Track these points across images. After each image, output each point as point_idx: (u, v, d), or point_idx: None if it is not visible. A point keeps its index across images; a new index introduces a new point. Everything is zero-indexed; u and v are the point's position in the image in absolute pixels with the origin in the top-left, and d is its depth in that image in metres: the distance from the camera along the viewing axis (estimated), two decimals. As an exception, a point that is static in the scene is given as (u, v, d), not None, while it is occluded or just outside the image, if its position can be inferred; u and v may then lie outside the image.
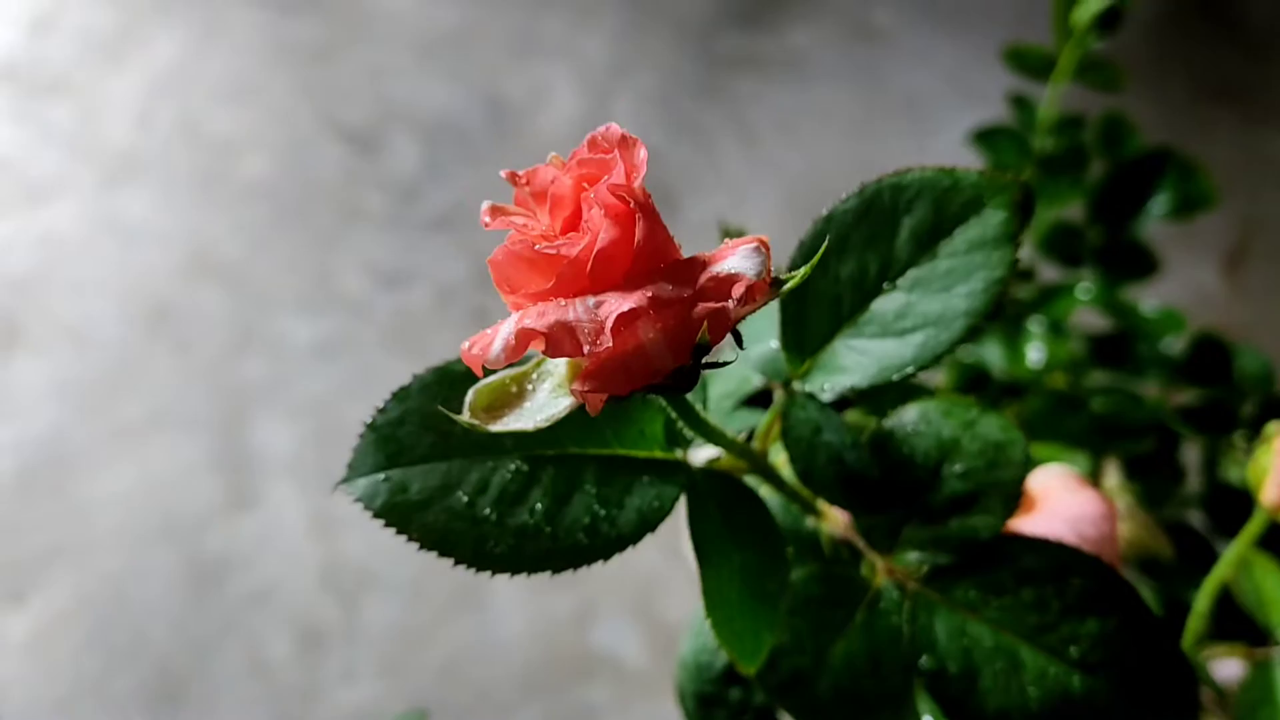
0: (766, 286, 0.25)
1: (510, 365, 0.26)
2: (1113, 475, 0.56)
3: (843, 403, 0.55)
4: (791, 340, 0.33)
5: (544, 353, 0.23)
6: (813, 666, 0.34)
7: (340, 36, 1.48)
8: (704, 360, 0.25)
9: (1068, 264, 0.79)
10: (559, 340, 0.23)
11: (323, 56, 1.46)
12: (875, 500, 0.33)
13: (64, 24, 1.49)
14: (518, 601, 1.13)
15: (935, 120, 1.31)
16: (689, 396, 0.30)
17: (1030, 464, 0.33)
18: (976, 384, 0.74)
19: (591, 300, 0.23)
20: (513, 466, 0.29)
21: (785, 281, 0.25)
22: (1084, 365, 0.70)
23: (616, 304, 0.22)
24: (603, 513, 0.29)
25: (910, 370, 0.31)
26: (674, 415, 0.30)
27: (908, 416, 0.34)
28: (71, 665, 1.08)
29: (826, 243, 0.31)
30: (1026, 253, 0.78)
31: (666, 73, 1.41)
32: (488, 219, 0.25)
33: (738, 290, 0.23)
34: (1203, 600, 0.49)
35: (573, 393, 0.23)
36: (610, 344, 0.22)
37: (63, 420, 1.22)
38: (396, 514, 0.29)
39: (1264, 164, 1.30)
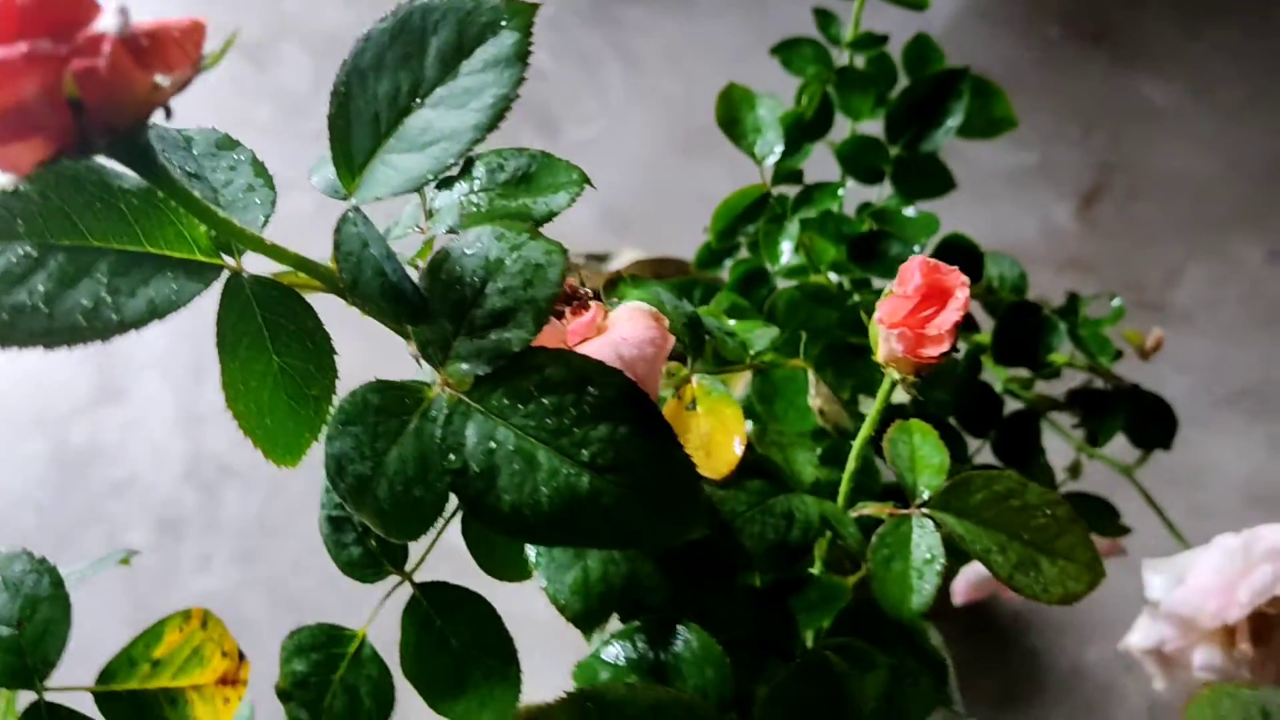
0: (189, 62, 0.27)
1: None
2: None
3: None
4: (341, 158, 0.35)
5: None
6: (372, 473, 0.37)
7: (240, -51, 1.49)
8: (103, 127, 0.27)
9: (868, 180, 0.81)
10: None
11: (222, -32, 1.48)
12: (418, 313, 0.36)
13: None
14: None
15: (813, 50, 1.33)
16: (199, 194, 0.33)
17: (562, 282, 0.36)
18: (754, 280, 0.77)
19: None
20: (21, 251, 0.31)
21: (208, 60, 0.28)
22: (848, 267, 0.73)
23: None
24: (109, 300, 0.31)
25: (429, 178, 0.34)
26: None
27: (467, 238, 0.37)
28: (-67, 546, 1.11)
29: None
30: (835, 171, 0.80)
31: (558, -2, 1.43)
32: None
33: (106, 47, 0.25)
34: (852, 461, 0.53)
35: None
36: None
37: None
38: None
39: (1129, 106, 1.32)
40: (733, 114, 0.74)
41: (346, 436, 0.37)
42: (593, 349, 0.38)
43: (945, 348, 0.44)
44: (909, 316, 0.44)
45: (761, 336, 0.56)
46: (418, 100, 0.34)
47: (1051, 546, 0.50)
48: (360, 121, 0.35)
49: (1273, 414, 1.17)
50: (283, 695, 0.46)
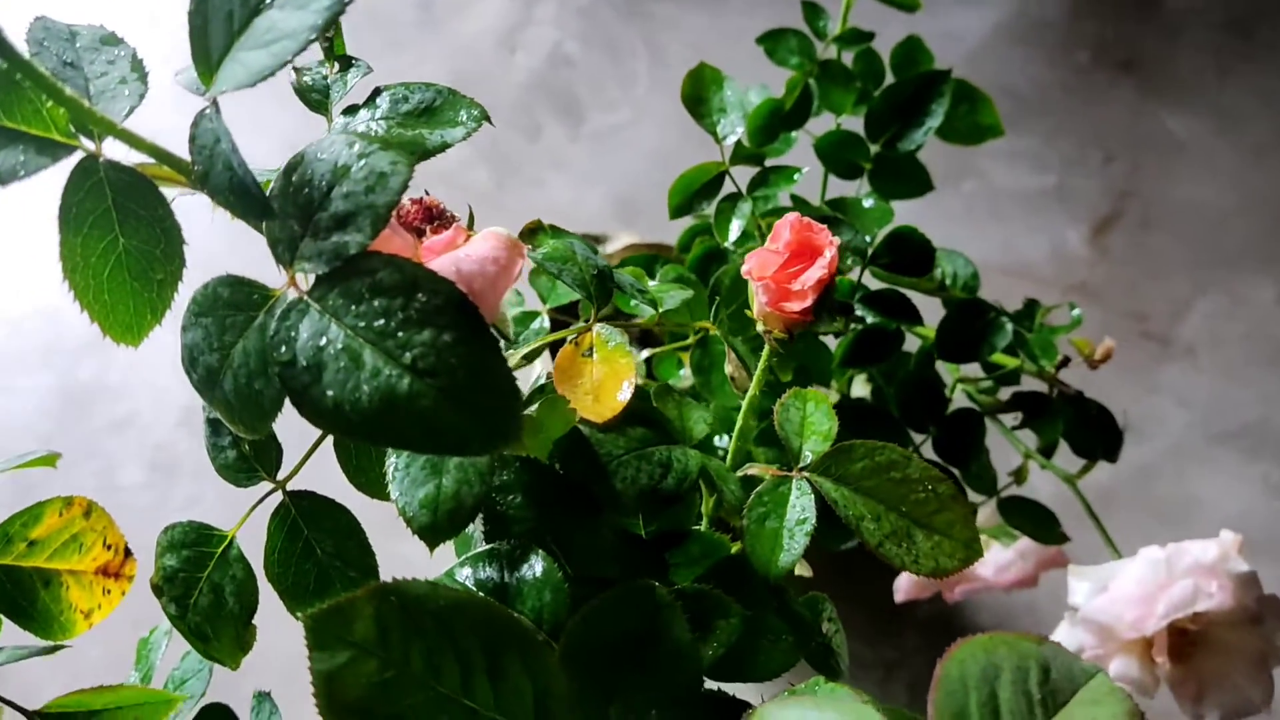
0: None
1: None
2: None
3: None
4: (199, 54, 0.37)
5: None
6: (219, 364, 0.39)
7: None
8: None
9: (845, 175, 0.81)
10: None
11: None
12: (262, 208, 0.38)
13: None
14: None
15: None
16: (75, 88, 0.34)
17: (402, 191, 0.37)
18: (713, 259, 0.77)
19: None
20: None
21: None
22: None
23: None
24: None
25: (268, 73, 0.35)
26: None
27: (322, 144, 0.38)
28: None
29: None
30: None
31: (593, -13, 1.45)
32: None
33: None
34: (740, 419, 0.53)
35: None
36: None
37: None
38: None
39: (1152, 136, 1.31)
40: (700, 93, 0.75)
41: (198, 328, 0.39)
42: (436, 263, 0.40)
43: (808, 303, 0.45)
44: (778, 271, 0.45)
45: (673, 297, 0.57)
46: (266, 1, 0.36)
47: (929, 521, 0.50)
48: (216, 19, 0.36)
49: (1269, 454, 1.15)
50: (155, 590, 0.48)
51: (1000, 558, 0.81)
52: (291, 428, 0.50)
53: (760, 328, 0.48)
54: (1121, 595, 0.67)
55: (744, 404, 0.52)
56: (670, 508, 0.52)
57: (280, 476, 0.49)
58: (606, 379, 0.52)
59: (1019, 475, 0.78)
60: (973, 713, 0.32)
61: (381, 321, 0.37)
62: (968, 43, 1.36)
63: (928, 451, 0.76)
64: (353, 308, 0.37)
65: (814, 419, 0.52)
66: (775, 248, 0.45)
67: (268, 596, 0.50)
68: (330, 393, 0.36)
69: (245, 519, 0.49)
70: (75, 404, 1.20)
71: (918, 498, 0.51)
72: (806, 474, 0.50)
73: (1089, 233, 1.26)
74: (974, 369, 0.81)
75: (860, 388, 0.86)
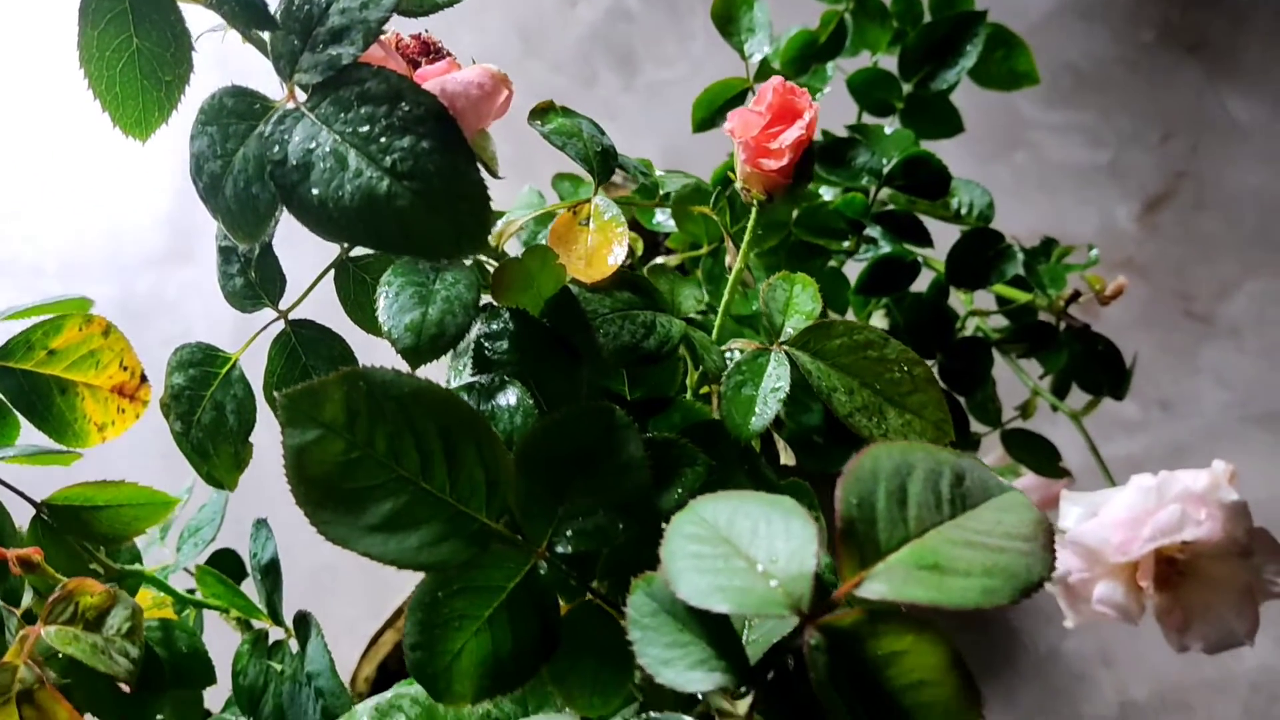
0: None
1: None
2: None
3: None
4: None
5: None
6: (222, 170, 0.42)
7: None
8: None
9: (877, 113, 0.83)
10: None
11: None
12: (265, 19, 0.41)
13: None
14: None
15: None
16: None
17: (394, 9, 0.40)
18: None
19: None
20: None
21: None
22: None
23: None
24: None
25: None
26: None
27: (325, -28, 0.41)
28: None
29: None
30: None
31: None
32: None
33: None
34: (727, 292, 0.55)
35: None
36: None
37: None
38: None
39: (1212, 118, 1.30)
40: (730, 11, 0.77)
41: (204, 136, 0.42)
42: (424, 85, 0.42)
43: (784, 162, 0.46)
44: (760, 133, 0.47)
45: (674, 181, 0.59)
46: None
47: (902, 400, 0.52)
48: None
49: (1305, 438, 1.14)
50: (164, 408, 0.51)
51: (1004, 494, 0.82)
52: (295, 263, 0.54)
53: (739, 186, 0.50)
54: (1110, 520, 0.68)
55: (731, 277, 0.54)
56: (650, 367, 0.54)
57: (283, 307, 0.52)
58: (600, 246, 0.54)
59: (1025, 410, 0.79)
60: (880, 499, 0.34)
61: (366, 127, 0.40)
62: (1030, 16, 1.37)
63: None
64: (341, 115, 0.40)
65: (799, 299, 0.54)
66: (758, 109, 0.47)
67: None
68: (316, 191, 0.39)
69: (249, 344, 0.52)
70: (132, 316, 1.25)
71: (892, 377, 0.52)
72: (785, 347, 0.52)
73: (1139, 210, 1.26)
74: (988, 305, 0.82)
75: (879, 321, 0.87)
